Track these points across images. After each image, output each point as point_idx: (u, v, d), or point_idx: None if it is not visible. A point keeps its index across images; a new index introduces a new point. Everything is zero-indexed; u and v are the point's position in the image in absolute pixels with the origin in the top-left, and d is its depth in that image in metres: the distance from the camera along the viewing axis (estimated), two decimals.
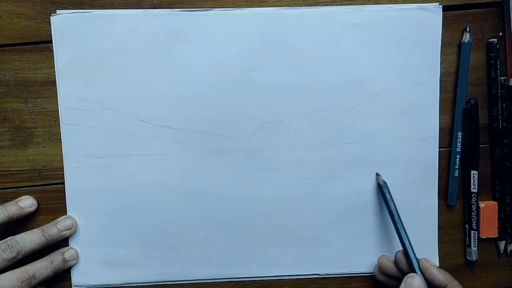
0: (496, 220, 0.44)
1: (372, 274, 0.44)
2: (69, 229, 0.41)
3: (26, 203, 0.41)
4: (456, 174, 0.43)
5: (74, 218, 0.42)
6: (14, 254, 0.38)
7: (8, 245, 0.38)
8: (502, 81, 0.43)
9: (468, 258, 0.44)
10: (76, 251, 0.42)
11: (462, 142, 0.43)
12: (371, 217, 0.43)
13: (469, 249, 0.44)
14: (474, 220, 0.44)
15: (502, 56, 0.43)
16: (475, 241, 0.44)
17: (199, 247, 0.43)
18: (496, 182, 0.44)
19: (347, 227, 0.43)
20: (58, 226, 0.40)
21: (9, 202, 0.41)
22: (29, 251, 0.39)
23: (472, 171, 0.43)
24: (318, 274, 0.44)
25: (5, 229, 0.41)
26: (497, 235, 0.44)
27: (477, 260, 0.44)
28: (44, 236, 0.40)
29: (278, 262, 0.44)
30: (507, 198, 0.44)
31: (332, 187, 0.43)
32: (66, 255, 0.41)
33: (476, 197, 0.43)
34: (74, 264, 0.42)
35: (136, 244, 0.42)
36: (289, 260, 0.44)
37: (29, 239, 0.39)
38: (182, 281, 0.43)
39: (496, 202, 0.44)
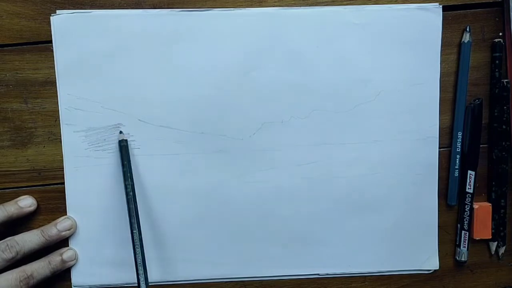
0: (490, 222, 0.44)
1: (372, 274, 0.44)
2: (68, 230, 0.41)
3: (26, 202, 0.41)
4: (456, 174, 0.43)
5: (73, 219, 0.41)
6: (13, 254, 0.38)
7: (7, 245, 0.38)
8: (505, 83, 0.42)
9: (457, 258, 0.44)
10: (75, 251, 0.42)
11: (462, 142, 0.43)
12: (371, 217, 0.43)
13: (459, 249, 0.44)
14: (466, 220, 0.44)
15: (502, 57, 0.43)
16: (465, 242, 0.44)
17: (199, 247, 0.43)
18: (493, 183, 0.44)
19: (347, 227, 0.43)
20: (58, 227, 0.40)
21: (8, 202, 0.41)
22: (28, 251, 0.39)
23: (469, 171, 0.43)
24: (318, 274, 0.44)
25: (5, 229, 0.41)
26: (490, 237, 0.44)
27: (466, 261, 0.44)
28: (43, 236, 0.40)
29: (278, 262, 0.44)
30: (502, 200, 0.44)
31: (332, 187, 0.43)
32: (65, 256, 0.41)
33: (470, 197, 0.43)
34: (73, 265, 0.42)
35: None
36: (289, 260, 0.44)
37: (29, 239, 0.39)
38: (182, 281, 0.43)
39: (491, 204, 0.44)
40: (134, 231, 0.39)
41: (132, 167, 0.41)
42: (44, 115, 0.41)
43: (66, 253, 0.41)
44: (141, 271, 0.39)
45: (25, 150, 0.41)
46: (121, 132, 0.41)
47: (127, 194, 0.40)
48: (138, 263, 0.38)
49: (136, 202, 0.40)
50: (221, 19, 0.41)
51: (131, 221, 0.39)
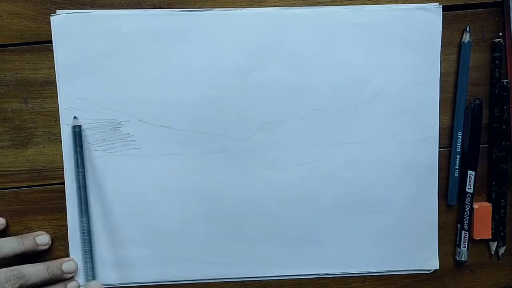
0: (490, 222, 0.44)
1: (372, 274, 0.44)
2: (72, 273, 0.41)
3: (43, 241, 0.41)
4: (456, 174, 0.43)
5: (76, 262, 0.42)
6: (17, 286, 0.37)
7: (13, 275, 0.37)
8: (505, 83, 0.42)
9: (457, 258, 0.44)
10: (76, 263, 0.42)
11: (462, 142, 0.43)
12: (371, 217, 0.43)
13: (459, 249, 0.44)
14: (466, 220, 0.44)
15: (502, 57, 0.43)
16: (465, 242, 0.44)
17: (199, 247, 0.43)
18: (493, 183, 0.44)
19: (347, 227, 0.43)
20: (63, 268, 0.41)
21: (26, 235, 0.41)
22: (31, 285, 0.38)
23: (469, 171, 0.43)
24: (318, 274, 0.44)
25: (14, 261, 0.40)
26: (490, 237, 0.44)
27: (465, 261, 0.44)
28: (48, 274, 0.40)
29: (278, 262, 0.44)
30: (502, 200, 0.44)
31: (332, 187, 0.43)
32: (64, 268, 0.41)
33: (470, 197, 0.43)
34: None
35: (136, 244, 0.42)
36: (289, 260, 0.44)
37: (35, 273, 0.39)
38: (182, 281, 0.43)
39: (491, 204, 0.44)
40: (82, 219, 0.40)
41: (132, 167, 0.41)
42: (44, 115, 0.41)
43: (66, 264, 0.41)
44: (88, 259, 0.39)
45: (25, 150, 0.41)
46: (75, 117, 0.40)
47: (78, 181, 0.40)
48: (86, 251, 0.39)
49: (86, 190, 0.40)
50: (221, 19, 0.41)
51: (80, 208, 0.40)
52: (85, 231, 0.40)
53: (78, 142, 0.40)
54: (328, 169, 0.43)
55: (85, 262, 0.40)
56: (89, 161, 0.41)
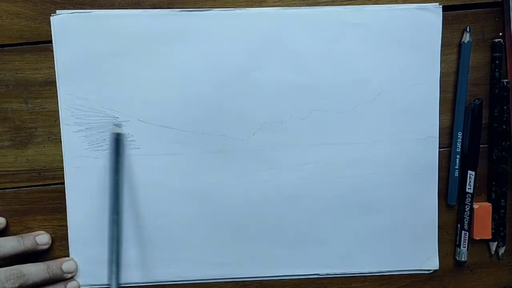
0: (490, 222, 0.44)
1: (372, 274, 0.44)
2: (72, 272, 0.41)
3: (43, 240, 0.41)
4: (456, 174, 0.43)
5: (76, 262, 0.42)
6: (17, 285, 0.37)
7: (13, 274, 0.37)
8: (505, 83, 0.42)
9: (457, 258, 0.44)
10: (76, 263, 0.42)
11: (462, 142, 0.43)
12: (371, 217, 0.43)
13: (459, 249, 0.44)
14: (466, 220, 0.44)
15: (502, 57, 0.43)
16: (465, 242, 0.44)
17: (199, 247, 0.43)
18: (493, 183, 0.44)
19: (347, 227, 0.43)
20: (63, 268, 0.41)
21: (26, 234, 0.41)
22: (31, 284, 0.38)
23: (469, 172, 0.43)
24: (318, 274, 0.44)
25: (12, 261, 0.40)
26: (490, 237, 0.44)
27: (466, 261, 0.44)
28: (48, 273, 0.40)
29: (278, 262, 0.44)
30: (502, 200, 0.44)
31: (332, 187, 0.43)
32: (64, 267, 0.41)
33: (470, 197, 0.43)
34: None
35: (136, 244, 0.42)
36: (289, 260, 0.44)
37: (35, 272, 0.39)
38: (182, 281, 0.43)
39: (491, 204, 0.44)
40: (118, 230, 0.39)
41: (132, 167, 0.41)
42: (44, 115, 0.41)
43: (66, 264, 0.41)
44: (114, 268, 0.38)
45: (25, 150, 0.41)
46: (118, 125, 0.40)
47: (115, 188, 0.39)
48: (113, 260, 0.38)
49: (122, 197, 0.40)
50: (221, 19, 0.41)
51: (113, 208, 0.39)
52: (117, 241, 0.39)
53: (118, 151, 0.40)
54: (328, 169, 0.43)
55: (111, 271, 0.38)
56: (90, 161, 0.41)
